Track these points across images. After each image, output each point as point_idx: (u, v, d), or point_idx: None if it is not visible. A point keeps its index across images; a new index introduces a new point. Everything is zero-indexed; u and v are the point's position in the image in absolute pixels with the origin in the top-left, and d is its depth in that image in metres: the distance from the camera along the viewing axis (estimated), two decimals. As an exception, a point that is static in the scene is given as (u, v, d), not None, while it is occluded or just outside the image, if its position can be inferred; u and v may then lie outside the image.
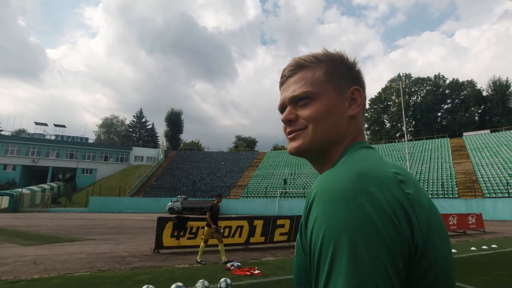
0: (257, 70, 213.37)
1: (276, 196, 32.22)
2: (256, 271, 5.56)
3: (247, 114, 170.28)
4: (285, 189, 33.97)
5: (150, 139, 71.19)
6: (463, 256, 7.79)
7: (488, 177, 26.80)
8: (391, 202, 0.44)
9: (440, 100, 54.71)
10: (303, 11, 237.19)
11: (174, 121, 68.19)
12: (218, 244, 7.18)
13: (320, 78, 0.64)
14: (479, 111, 51.23)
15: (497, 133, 37.62)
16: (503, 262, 7.11)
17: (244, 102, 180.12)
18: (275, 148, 74.09)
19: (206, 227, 7.32)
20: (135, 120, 72.60)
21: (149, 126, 73.84)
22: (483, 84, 56.61)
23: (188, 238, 8.38)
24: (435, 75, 57.17)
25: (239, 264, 6.05)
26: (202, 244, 7.16)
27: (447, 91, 54.65)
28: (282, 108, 0.68)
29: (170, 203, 30.14)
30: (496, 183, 25.58)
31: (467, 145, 35.72)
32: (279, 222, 9.79)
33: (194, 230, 8.49)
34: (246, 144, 79.16)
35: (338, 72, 0.65)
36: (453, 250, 8.45)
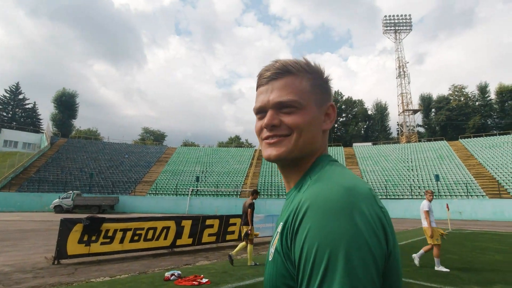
0: (169, 60, 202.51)
1: (187, 194, 30.79)
2: (204, 280, 4.80)
3: (155, 105, 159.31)
4: (197, 187, 32.81)
5: (29, 121, 58.12)
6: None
7: (371, 182, 32.18)
8: (374, 217, 0.49)
9: (337, 114, 62.94)
10: (222, 9, 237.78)
11: (66, 103, 57.67)
12: (247, 245, 6.48)
13: (306, 89, 0.65)
14: (365, 126, 61.53)
15: (377, 145, 45.74)
16: (412, 253, 8.28)
17: (152, 92, 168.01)
18: (185, 144, 71.41)
19: (245, 227, 6.56)
20: (7, 95, 57.98)
21: (29, 106, 60.32)
22: (369, 104, 68.13)
23: (102, 244, 6.82)
24: (335, 91, 65.78)
25: (179, 272, 5.14)
26: (250, 246, 6.43)
27: (343, 106, 63.53)
28: (260, 110, 0.67)
29: (57, 199, 25.00)
30: (377, 187, 30.91)
31: (356, 154, 42.12)
32: (208, 222, 9.09)
33: (110, 234, 6.97)
34: (154, 138, 73.62)
35: (320, 86, 0.68)
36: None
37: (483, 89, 54.18)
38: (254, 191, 6.84)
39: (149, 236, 7.59)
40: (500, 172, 28.27)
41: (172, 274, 4.97)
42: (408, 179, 31.32)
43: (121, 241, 7.10)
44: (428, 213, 6.65)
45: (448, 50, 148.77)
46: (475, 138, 38.95)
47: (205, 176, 37.11)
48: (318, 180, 0.58)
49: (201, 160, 42.81)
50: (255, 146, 59.51)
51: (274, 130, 0.64)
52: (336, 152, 43.73)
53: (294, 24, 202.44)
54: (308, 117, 0.64)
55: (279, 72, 0.66)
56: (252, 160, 42.56)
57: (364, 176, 33.91)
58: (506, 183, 26.19)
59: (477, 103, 54.35)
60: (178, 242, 8.23)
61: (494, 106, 52.74)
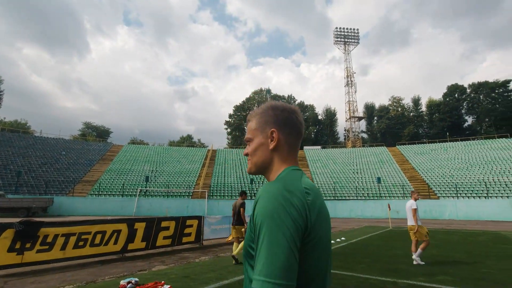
0: (116, 51, 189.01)
1: (135, 195, 28.87)
2: (166, 286, 4.42)
3: (98, 98, 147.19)
4: (146, 187, 30.96)
5: None
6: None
7: (321, 183, 33.81)
8: (296, 201, 0.75)
9: (289, 117, 65.29)
10: (176, 3, 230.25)
11: (-11, 89, 50.12)
12: (239, 242, 7.02)
13: (253, 127, 0.98)
14: (315, 130, 64.66)
15: (325, 149, 48.30)
16: (363, 250, 8.78)
17: (95, 84, 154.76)
18: (133, 141, 67.19)
19: (237, 226, 7.21)
20: None
21: None
22: (319, 109, 71.94)
23: (39, 252, 5.92)
24: (288, 95, 68.10)
25: (137, 280, 4.66)
26: (239, 244, 6.95)
27: (295, 111, 65.90)
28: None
29: (-27, 201, 21.42)
30: (326, 188, 32.58)
31: (307, 156, 43.92)
32: (163, 224, 8.56)
33: (49, 240, 6.10)
34: (96, 134, 67.83)
35: (265, 121, 0.95)
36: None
37: (416, 102, 61.00)
38: (243, 192, 7.58)
39: (97, 241, 6.83)
40: (429, 176, 31.95)
41: (129, 282, 4.48)
42: (354, 181, 33.62)
43: (63, 247, 6.26)
44: (416, 211, 7.12)
45: (388, 64, 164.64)
46: (410, 145, 43.50)
47: (155, 176, 35.24)
48: (270, 182, 0.85)
49: (150, 159, 40.58)
50: (207, 146, 58.47)
51: (248, 156, 0.99)
52: (289, 154, 45.06)
53: (250, 26, 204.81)
54: (254, 145, 0.95)
55: (246, 121, 1.03)
56: (204, 160, 41.69)
57: (314, 178, 35.50)
58: (433, 185, 29.67)
59: (411, 114, 60.92)
60: (130, 246, 7.56)
61: (425, 117, 59.69)
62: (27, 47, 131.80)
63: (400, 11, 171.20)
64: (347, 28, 60.03)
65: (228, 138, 70.39)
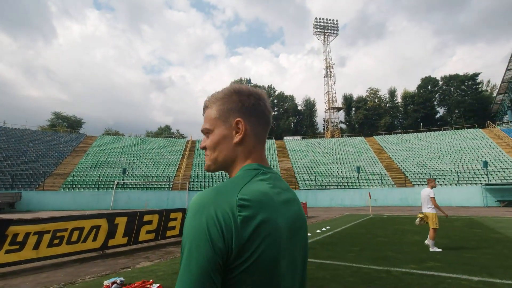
0: (86, 37, 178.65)
1: (112, 188, 27.74)
2: (155, 285, 4.10)
3: (67, 87, 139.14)
4: (123, 180, 29.83)
5: None
6: (317, 238, 9.11)
7: (302, 173, 34.19)
8: (221, 217, 0.61)
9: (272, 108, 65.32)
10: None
11: None
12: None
13: (213, 116, 0.81)
14: (295, 121, 65.13)
15: (305, 139, 48.83)
16: (349, 239, 8.84)
17: (63, 72, 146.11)
18: (108, 132, 64.49)
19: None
20: None
21: None
22: (298, 100, 72.23)
23: (8, 252, 5.37)
24: (268, 86, 67.77)
25: (122, 279, 4.31)
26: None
27: (275, 101, 65.86)
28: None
29: None
30: (306, 178, 33.00)
31: (287, 147, 44.20)
32: (146, 218, 8.13)
33: (20, 239, 5.54)
34: (67, 124, 64.34)
35: (228, 108, 0.80)
36: (308, 234, 9.84)
37: (392, 93, 62.85)
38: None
39: (74, 238, 6.32)
40: (405, 165, 33.21)
41: (114, 282, 4.12)
42: (334, 171, 34.28)
43: (36, 246, 5.73)
44: (434, 199, 7.15)
45: (364, 56, 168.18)
46: (386, 136, 44.90)
47: (133, 168, 34.04)
48: (205, 190, 0.70)
49: (127, 151, 39.10)
50: (187, 136, 57.27)
51: (205, 150, 0.83)
52: (269, 145, 45.13)
53: (229, 15, 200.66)
54: (214, 138, 0.79)
55: (203, 108, 0.85)
56: (184, 151, 40.80)
57: (294, 168, 35.82)
58: (409, 174, 30.89)
59: (387, 105, 62.77)
60: (111, 242, 7.11)
61: (400, 108, 61.75)
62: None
63: (377, 4, 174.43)
64: (326, 19, 60.23)
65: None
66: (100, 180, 29.76)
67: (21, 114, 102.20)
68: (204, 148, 0.83)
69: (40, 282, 4.69)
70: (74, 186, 28.29)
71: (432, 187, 7.30)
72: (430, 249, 6.98)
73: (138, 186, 30.09)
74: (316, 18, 60.39)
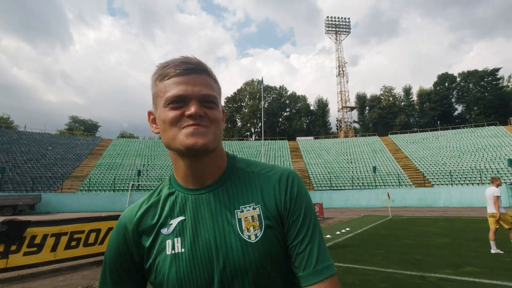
0: (101, 43, 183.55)
1: (127, 189, 28.03)
2: None
3: (83, 92, 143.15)
4: (138, 181, 30.12)
5: None
6: (338, 240, 8.74)
7: (316, 174, 33.64)
8: (122, 224, 0.75)
9: (282, 108, 64.89)
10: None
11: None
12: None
13: (217, 91, 0.74)
14: (307, 121, 64.43)
15: (318, 140, 48.16)
16: (372, 241, 8.43)
17: (79, 77, 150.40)
18: (123, 135, 65.58)
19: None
20: None
21: None
22: (310, 100, 71.52)
23: (27, 254, 5.29)
24: (280, 86, 67.36)
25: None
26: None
27: (287, 101, 65.40)
28: (180, 99, 0.67)
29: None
30: (321, 179, 32.43)
31: (300, 147, 43.68)
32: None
33: (38, 241, 5.46)
34: (84, 128, 65.87)
35: (219, 91, 0.76)
36: (328, 236, 9.48)
37: (407, 91, 61.31)
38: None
39: (91, 240, 6.21)
40: (423, 164, 32.16)
41: None
42: (348, 171, 33.57)
43: (53, 248, 5.63)
44: (498, 198, 6.69)
45: (377, 54, 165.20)
46: (402, 134, 43.74)
47: (147, 170, 34.37)
48: (264, 164, 0.79)
49: (141, 153, 39.57)
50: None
51: (199, 120, 0.66)
52: (282, 145, 44.73)
53: (239, 16, 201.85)
54: (220, 114, 0.72)
55: (201, 68, 0.70)
56: (198, 153, 40.91)
57: (308, 169, 35.29)
58: (427, 174, 29.87)
59: (402, 103, 61.28)
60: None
61: (416, 106, 60.14)
62: (5, 38, 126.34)
63: (390, 0, 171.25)
64: (338, 17, 59.43)
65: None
66: (116, 182, 30.15)
67: (41, 118, 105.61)
68: (200, 116, 0.67)
69: (57, 286, 4.56)
70: (91, 188, 28.75)
71: (497, 186, 6.75)
72: (493, 251, 6.61)
73: (153, 188, 30.23)
74: (327, 17, 59.74)
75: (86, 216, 6.50)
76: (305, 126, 63.53)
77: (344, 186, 30.37)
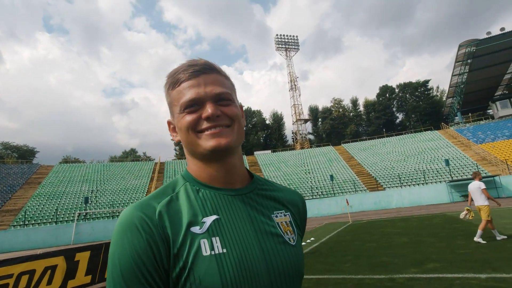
0: (38, 62, 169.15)
1: (73, 220, 25.16)
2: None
3: (16, 114, 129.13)
4: (85, 210, 27.27)
5: None
6: (305, 251, 8.57)
7: (276, 186, 33.76)
8: (140, 223, 0.60)
9: (238, 124, 65.07)
10: (107, 9, 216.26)
11: None
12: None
13: (230, 87, 0.72)
14: (264, 135, 65.38)
15: (276, 153, 48.92)
16: (338, 248, 8.39)
17: (11, 98, 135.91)
18: (66, 160, 59.86)
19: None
20: None
21: None
22: (265, 114, 72.85)
23: None
24: (235, 102, 67.53)
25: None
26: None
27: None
28: (193, 103, 0.66)
29: None
30: (281, 190, 32.58)
31: (259, 161, 43.86)
32: (113, 249, 7.03)
33: None
34: (18, 155, 58.79)
35: (234, 88, 0.75)
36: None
37: (354, 102, 65.93)
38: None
39: (22, 285, 5.17)
40: (374, 170, 34.26)
41: None
42: (307, 182, 34.36)
43: (-31, 301, 4.54)
44: (486, 190, 6.85)
45: (324, 69, 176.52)
46: (353, 143, 46.42)
47: (96, 197, 31.40)
48: (278, 183, 0.82)
49: (89, 178, 36.23)
50: (154, 159, 54.73)
51: (217, 120, 0.65)
52: (241, 160, 44.48)
53: (190, 34, 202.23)
54: (238, 110, 0.69)
55: (208, 68, 0.69)
56: (152, 174, 38.77)
57: (269, 182, 35.37)
58: (379, 178, 31.83)
59: (351, 114, 65.55)
60: (71, 284, 5.96)
61: (363, 116, 64.75)
62: None
63: (331, 21, 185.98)
64: (287, 35, 62.42)
65: (175, 149, 67.14)
66: (59, 213, 26.94)
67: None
68: (217, 116, 0.64)
69: None
70: (27, 223, 25.25)
71: (480, 180, 7.10)
72: (475, 239, 6.87)
73: (104, 215, 27.67)
74: (277, 35, 62.36)
75: (15, 257, 5.43)
76: (262, 140, 64.37)
77: (304, 196, 30.88)
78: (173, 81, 0.68)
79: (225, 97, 0.67)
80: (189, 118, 0.65)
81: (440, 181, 27.68)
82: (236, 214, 0.65)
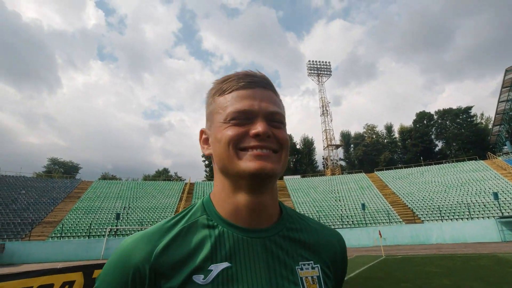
0: (89, 86, 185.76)
1: (104, 235, 26.02)
2: None
3: (66, 133, 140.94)
4: (116, 226, 28.15)
5: None
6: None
7: (304, 213, 32.60)
8: (129, 263, 0.55)
9: (268, 147, 65.17)
10: (152, 39, 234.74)
11: None
12: None
13: (283, 110, 0.65)
14: (294, 159, 64.54)
15: (305, 178, 47.81)
16: (369, 286, 7.63)
17: (63, 119, 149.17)
18: (104, 177, 63.28)
19: None
20: None
21: None
22: (296, 139, 72.43)
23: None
24: (265, 126, 68.12)
25: None
26: None
27: (273, 141, 66.00)
28: (245, 115, 0.57)
29: None
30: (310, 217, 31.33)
31: (287, 186, 43.03)
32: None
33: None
34: (64, 170, 63.35)
35: (285, 112, 0.67)
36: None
37: (389, 129, 63.41)
38: None
39: (40, 297, 5.21)
40: (411, 200, 31.91)
41: None
42: (337, 209, 32.81)
43: (-11, 311, 4.62)
44: None
45: (357, 94, 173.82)
46: (387, 171, 44.08)
47: (127, 213, 32.46)
48: (309, 217, 0.72)
49: (123, 195, 37.76)
50: (185, 179, 56.03)
51: (267, 141, 0.56)
52: (269, 184, 43.95)
53: (226, 60, 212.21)
54: (287, 137, 0.62)
55: (267, 83, 0.63)
56: (182, 194, 39.52)
57: (296, 207, 34.33)
58: (416, 209, 29.49)
59: (385, 140, 62.91)
60: (87, 301, 5.93)
61: (398, 143, 61.76)
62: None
63: (365, 47, 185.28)
64: (319, 61, 62.91)
65: (206, 171, 68.35)
66: (92, 227, 28.08)
67: (19, 161, 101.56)
68: (268, 136, 0.56)
69: None
70: (63, 235, 26.54)
71: None
72: None
73: (132, 232, 28.29)
74: (309, 61, 63.11)
75: (36, 269, 5.55)
76: (291, 164, 63.50)
77: (333, 224, 29.38)
78: (223, 87, 0.60)
79: (278, 119, 0.59)
80: (233, 131, 0.55)
81: (488, 217, 24.92)
82: (252, 263, 0.54)
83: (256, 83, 0.60)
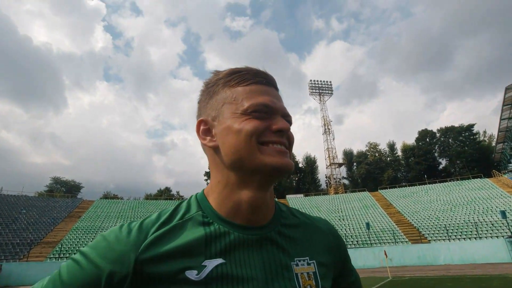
0: (95, 106, 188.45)
1: (103, 256, 25.49)
2: None
3: (70, 153, 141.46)
4: (116, 246, 27.63)
5: None
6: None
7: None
8: (113, 248, 0.57)
9: (270, 166, 64.99)
10: (157, 60, 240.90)
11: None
12: None
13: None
14: (296, 178, 64.08)
15: (308, 197, 47.27)
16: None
17: (69, 138, 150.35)
18: (106, 196, 62.94)
19: None
20: None
21: None
22: (299, 157, 72.40)
23: None
24: (268, 145, 68.30)
25: None
26: None
27: (276, 159, 65.92)
28: (265, 109, 0.57)
29: None
30: (313, 237, 30.70)
31: (290, 205, 42.37)
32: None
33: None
34: (65, 189, 63.20)
35: None
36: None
37: (392, 147, 63.23)
38: None
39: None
40: (416, 219, 31.26)
41: None
42: (341, 229, 32.13)
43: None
44: None
45: (359, 113, 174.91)
46: (391, 189, 43.54)
47: (127, 233, 31.95)
48: (302, 212, 0.72)
49: (124, 215, 37.45)
50: (186, 198, 55.48)
51: (284, 138, 0.58)
52: (272, 203, 43.48)
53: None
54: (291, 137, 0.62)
55: (276, 85, 0.65)
56: (184, 213, 39.07)
57: (300, 227, 33.71)
58: (422, 229, 28.81)
59: (388, 158, 62.58)
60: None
61: (401, 161, 61.38)
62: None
63: (366, 67, 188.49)
64: (320, 81, 63.93)
65: (208, 189, 67.82)
66: (91, 248, 27.58)
67: (22, 180, 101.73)
68: (288, 139, 0.59)
69: None
70: (62, 256, 26.07)
71: None
72: None
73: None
74: (311, 80, 64.11)
75: None
76: (294, 183, 62.99)
77: (338, 245, 28.71)
78: (241, 78, 0.59)
79: (290, 121, 0.62)
80: (256, 123, 0.54)
81: (497, 236, 24.26)
82: (247, 260, 0.54)
83: (270, 82, 0.62)
